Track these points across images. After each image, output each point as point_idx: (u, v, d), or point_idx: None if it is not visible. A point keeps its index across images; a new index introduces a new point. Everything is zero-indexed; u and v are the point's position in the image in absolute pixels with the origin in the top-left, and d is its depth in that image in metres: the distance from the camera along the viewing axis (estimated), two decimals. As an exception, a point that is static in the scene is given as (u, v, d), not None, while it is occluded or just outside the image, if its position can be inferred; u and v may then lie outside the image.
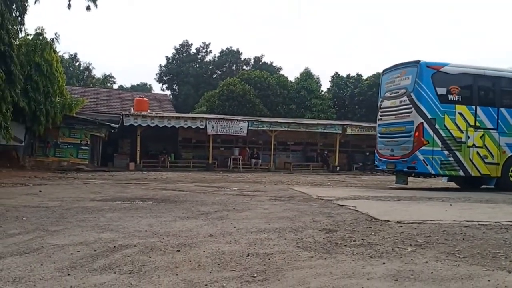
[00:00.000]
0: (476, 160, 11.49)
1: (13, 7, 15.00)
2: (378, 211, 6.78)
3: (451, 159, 11.36)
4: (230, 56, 48.78)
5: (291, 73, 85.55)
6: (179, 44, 48.90)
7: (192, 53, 49.06)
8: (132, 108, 23.79)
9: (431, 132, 11.22)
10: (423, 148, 11.19)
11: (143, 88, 56.45)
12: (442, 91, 11.40)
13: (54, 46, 18.10)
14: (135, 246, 4.37)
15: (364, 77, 35.11)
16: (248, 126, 22.77)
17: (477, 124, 11.53)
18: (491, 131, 11.63)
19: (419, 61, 11.45)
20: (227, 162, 23.60)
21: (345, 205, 7.57)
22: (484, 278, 3.41)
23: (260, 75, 35.43)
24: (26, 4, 15.49)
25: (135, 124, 21.19)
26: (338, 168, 24.45)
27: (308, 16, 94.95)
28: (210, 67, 49.25)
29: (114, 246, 4.34)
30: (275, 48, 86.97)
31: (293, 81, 37.25)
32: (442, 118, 11.29)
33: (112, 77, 53.38)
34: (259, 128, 23.71)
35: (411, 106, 11.43)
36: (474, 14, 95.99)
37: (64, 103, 19.16)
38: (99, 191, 9.92)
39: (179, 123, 22.16)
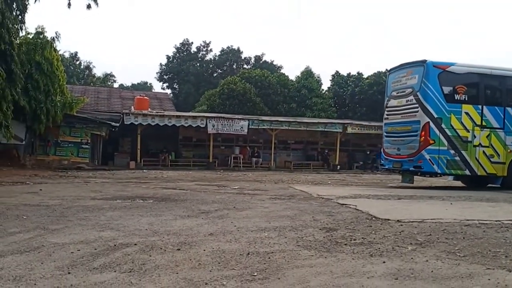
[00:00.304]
0: (482, 160, 11.52)
1: (14, 5, 14.98)
2: (378, 210, 6.78)
3: (457, 158, 11.39)
4: (231, 55, 48.72)
5: (292, 72, 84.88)
6: (180, 43, 48.86)
7: (192, 52, 48.99)
8: (132, 107, 23.80)
9: (437, 131, 11.25)
10: (429, 147, 11.23)
11: (144, 87, 56.45)
12: (448, 90, 11.43)
13: (54, 44, 18.07)
14: (135, 244, 4.38)
15: (365, 76, 35.07)
16: (248, 125, 22.76)
17: (484, 123, 11.56)
18: (497, 130, 11.65)
19: (426, 60, 11.48)
20: (227, 161, 23.59)
21: (346, 204, 7.57)
22: (484, 277, 3.41)
23: (261, 74, 35.39)
24: (27, 3, 15.47)
25: (136, 123, 21.18)
26: (338, 167, 24.43)
27: (308, 16, 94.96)
28: (211, 66, 49.19)
29: (115, 245, 4.34)
30: (276, 47, 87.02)
31: (294, 80, 37.20)
32: (449, 118, 11.32)
33: (113, 76, 53.51)
34: (259, 127, 23.70)
35: (417, 105, 11.46)
36: (474, 14, 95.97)
37: (64, 102, 19.14)
38: (99, 190, 9.93)
39: (180, 122, 22.16)
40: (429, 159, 11.25)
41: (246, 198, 8.71)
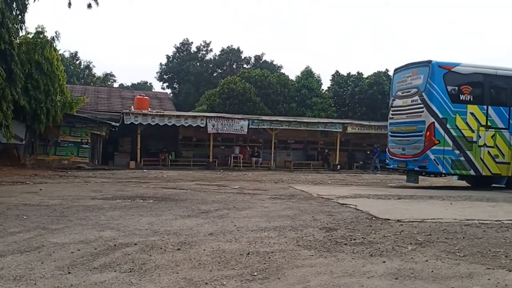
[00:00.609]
0: (487, 160, 11.56)
1: (14, 5, 14.96)
2: (378, 210, 6.78)
3: (462, 158, 11.43)
4: (231, 54, 48.71)
5: (292, 71, 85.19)
6: (180, 43, 48.83)
7: (192, 52, 48.98)
8: (132, 107, 23.78)
9: (442, 131, 11.29)
10: (434, 147, 11.28)
11: (144, 86, 56.45)
12: (453, 91, 11.48)
13: (54, 44, 18.05)
14: (135, 244, 4.38)
15: (365, 76, 35.05)
16: (248, 125, 22.75)
17: (489, 123, 11.60)
18: (502, 130, 11.69)
19: (431, 61, 11.51)
20: (227, 160, 23.58)
21: (346, 204, 7.57)
22: (484, 276, 3.42)
23: (261, 73, 35.38)
24: (27, 3, 15.44)
25: (136, 123, 21.17)
26: (338, 166, 24.43)
27: (308, 16, 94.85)
28: (211, 66, 49.17)
29: (115, 245, 4.34)
30: (276, 47, 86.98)
31: (294, 80, 37.19)
32: (454, 118, 11.37)
33: (113, 75, 53.48)
34: (259, 127, 23.70)
35: (422, 105, 11.50)
36: (474, 14, 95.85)
37: (64, 101, 19.13)
38: (99, 190, 9.93)
39: (180, 121, 22.15)
40: (434, 159, 11.30)
41: (246, 198, 8.71)
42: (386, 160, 13.60)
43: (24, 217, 5.92)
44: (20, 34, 16.60)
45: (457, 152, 11.39)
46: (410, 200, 8.53)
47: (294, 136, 26.37)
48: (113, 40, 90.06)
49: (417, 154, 11.61)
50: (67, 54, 44.59)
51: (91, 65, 51.19)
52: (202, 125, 22.18)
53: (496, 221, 5.90)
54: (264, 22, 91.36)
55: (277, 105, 33.87)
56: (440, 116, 11.28)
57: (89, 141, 20.54)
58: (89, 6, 15.60)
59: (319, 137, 26.96)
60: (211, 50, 49.63)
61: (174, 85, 48.95)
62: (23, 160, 18.58)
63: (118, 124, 21.74)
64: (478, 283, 3.26)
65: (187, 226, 5.43)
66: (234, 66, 48.82)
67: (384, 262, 3.82)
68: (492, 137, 11.60)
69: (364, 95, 32.82)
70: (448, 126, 11.32)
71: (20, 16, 15.47)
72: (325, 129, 24.79)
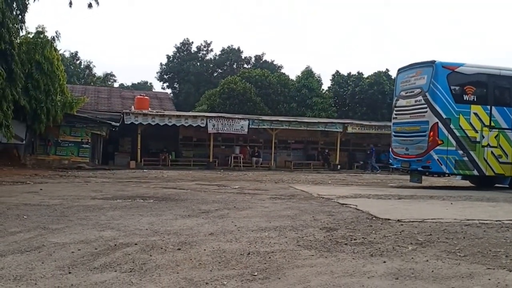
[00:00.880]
0: (491, 160, 11.57)
1: (14, 5, 14.95)
2: (378, 210, 6.78)
3: (466, 158, 11.44)
4: (231, 54, 48.69)
5: (292, 71, 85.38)
6: (180, 43, 48.84)
7: (193, 52, 48.97)
8: (132, 107, 23.79)
9: (445, 132, 11.30)
10: (437, 147, 11.29)
11: (144, 86, 56.43)
12: (457, 91, 11.50)
13: (54, 44, 18.02)
14: (136, 244, 4.38)
15: (365, 76, 35.05)
16: (248, 125, 22.75)
17: (492, 124, 11.61)
18: (506, 131, 11.70)
19: (435, 61, 11.52)
20: (227, 160, 23.59)
21: (346, 204, 7.57)
22: (484, 276, 3.41)
23: (261, 73, 35.37)
24: (27, 2, 15.43)
25: (136, 123, 21.18)
26: (339, 166, 24.43)
27: (308, 16, 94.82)
28: (211, 66, 49.15)
29: (115, 245, 4.34)
30: (276, 47, 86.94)
31: (294, 80, 37.18)
32: (457, 118, 11.38)
33: (113, 75, 53.49)
34: (259, 127, 23.69)
35: (426, 105, 11.50)
36: (474, 14, 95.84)
37: (65, 101, 19.14)
38: (100, 190, 9.93)
39: (180, 121, 22.15)
40: (438, 159, 11.31)
41: (246, 197, 8.71)
42: (390, 160, 13.62)
43: (25, 217, 5.93)
44: (21, 34, 16.59)
45: (460, 152, 11.40)
46: (410, 200, 8.53)
47: (294, 136, 26.37)
48: (113, 40, 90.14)
49: (420, 154, 11.62)
50: (67, 54, 44.65)
51: (91, 65, 51.25)
52: (202, 125, 22.18)
53: (496, 221, 5.90)
54: (264, 22, 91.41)
55: (278, 105, 33.87)
56: (444, 116, 11.29)
57: (89, 141, 20.54)
58: (90, 5, 15.58)
59: (319, 137, 26.95)
60: (211, 50, 49.67)
61: (175, 85, 48.94)
62: (23, 160, 18.59)
63: (118, 124, 21.74)
64: (479, 283, 3.26)
65: (188, 226, 5.43)
66: (235, 66, 48.80)
67: (384, 262, 3.82)
68: (495, 137, 11.61)
69: (364, 95, 32.82)
70: (451, 126, 11.33)
71: (20, 16, 15.46)
72: (326, 129, 24.78)
